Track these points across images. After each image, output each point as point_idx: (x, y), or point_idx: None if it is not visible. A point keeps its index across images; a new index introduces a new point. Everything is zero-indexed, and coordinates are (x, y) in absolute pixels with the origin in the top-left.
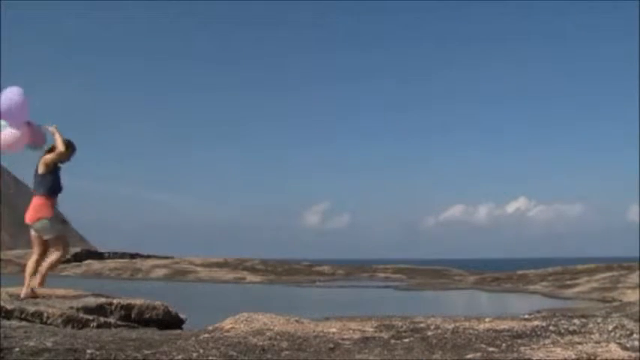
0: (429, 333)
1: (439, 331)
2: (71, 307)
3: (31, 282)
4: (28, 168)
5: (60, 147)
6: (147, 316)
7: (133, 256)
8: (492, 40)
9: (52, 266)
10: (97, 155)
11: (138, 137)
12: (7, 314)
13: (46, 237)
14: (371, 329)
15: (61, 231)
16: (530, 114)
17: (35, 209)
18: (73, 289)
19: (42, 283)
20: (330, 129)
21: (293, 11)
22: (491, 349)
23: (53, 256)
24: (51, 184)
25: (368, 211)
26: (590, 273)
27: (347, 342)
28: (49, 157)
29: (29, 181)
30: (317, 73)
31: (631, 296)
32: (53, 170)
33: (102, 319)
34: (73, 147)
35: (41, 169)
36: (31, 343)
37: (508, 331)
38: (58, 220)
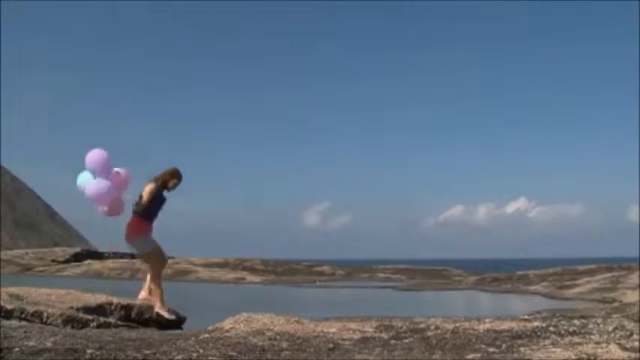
0: (429, 333)
1: (439, 331)
2: (71, 307)
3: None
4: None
5: (143, 199)
6: (147, 316)
7: (133, 256)
8: (492, 40)
9: (155, 284)
10: None
11: (137, 136)
12: (7, 314)
13: (139, 252)
14: (371, 329)
15: (153, 247)
16: (530, 114)
17: (132, 227)
18: (74, 289)
19: (153, 298)
20: (330, 128)
21: (296, 7)
22: (491, 349)
23: (150, 274)
24: (150, 209)
25: (368, 211)
26: (590, 273)
27: (347, 342)
28: (151, 188)
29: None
30: (317, 72)
31: (631, 297)
32: (156, 197)
33: (102, 319)
34: (179, 176)
35: (145, 197)
36: (31, 343)
37: (508, 331)
38: (151, 239)
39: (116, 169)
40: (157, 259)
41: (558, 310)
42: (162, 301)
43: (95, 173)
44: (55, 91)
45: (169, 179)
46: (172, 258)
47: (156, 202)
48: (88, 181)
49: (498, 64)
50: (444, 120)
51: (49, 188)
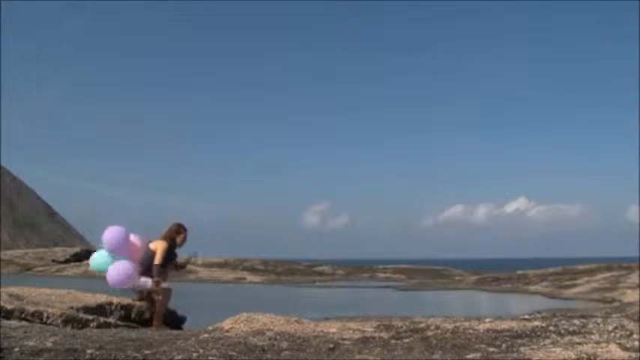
0: (429, 333)
1: (439, 331)
2: (71, 307)
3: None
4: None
5: (156, 260)
6: (147, 316)
7: None
8: (492, 40)
9: (159, 302)
10: (97, 155)
11: (138, 137)
12: (7, 314)
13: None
14: (371, 329)
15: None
16: (529, 114)
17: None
18: (74, 289)
19: (157, 324)
20: (329, 128)
21: (292, 11)
22: (491, 349)
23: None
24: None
25: (368, 211)
26: (590, 273)
27: (347, 342)
28: (164, 247)
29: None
30: (316, 73)
31: (631, 296)
32: (168, 256)
33: (102, 319)
34: (185, 229)
35: (158, 259)
36: (31, 343)
37: (508, 331)
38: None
39: (132, 240)
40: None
41: (558, 309)
42: (160, 321)
43: (114, 254)
44: (55, 91)
45: (176, 236)
46: None
47: (167, 261)
48: (106, 264)
49: (499, 65)
50: (444, 120)
51: (49, 188)
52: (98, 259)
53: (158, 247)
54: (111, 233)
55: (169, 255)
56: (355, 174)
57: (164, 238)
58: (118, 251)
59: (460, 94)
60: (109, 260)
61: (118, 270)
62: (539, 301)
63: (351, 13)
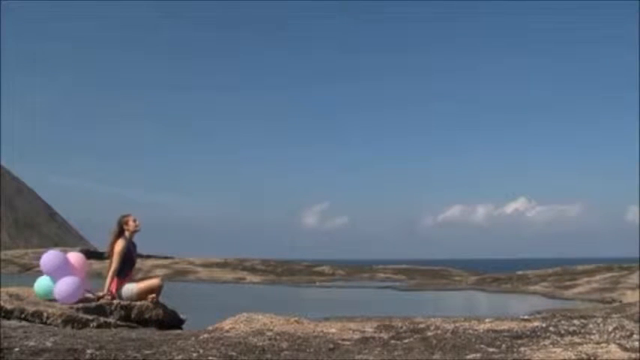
0: (429, 333)
1: (439, 331)
2: (71, 307)
3: None
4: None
5: (113, 264)
6: (147, 316)
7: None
8: (492, 40)
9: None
10: (97, 155)
11: (138, 137)
12: (7, 314)
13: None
14: (371, 329)
15: (137, 291)
16: (530, 114)
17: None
18: None
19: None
20: (330, 129)
21: (293, 11)
22: (491, 349)
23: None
24: (123, 268)
25: (368, 211)
26: (590, 274)
27: (347, 342)
28: (120, 248)
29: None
30: (317, 73)
31: (631, 297)
32: (124, 254)
33: (102, 319)
34: (127, 215)
35: (115, 260)
36: (31, 343)
37: (508, 331)
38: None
39: (72, 261)
40: (147, 290)
41: (558, 310)
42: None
43: (54, 277)
44: (55, 90)
45: (126, 227)
46: (172, 258)
47: (126, 258)
48: (51, 287)
49: (498, 64)
50: (444, 120)
51: (49, 188)
52: (42, 286)
53: (116, 247)
54: (47, 257)
55: (128, 253)
56: (355, 174)
57: (116, 237)
58: (58, 274)
59: (460, 94)
60: (51, 284)
61: (65, 285)
62: (539, 302)
63: (350, 14)
